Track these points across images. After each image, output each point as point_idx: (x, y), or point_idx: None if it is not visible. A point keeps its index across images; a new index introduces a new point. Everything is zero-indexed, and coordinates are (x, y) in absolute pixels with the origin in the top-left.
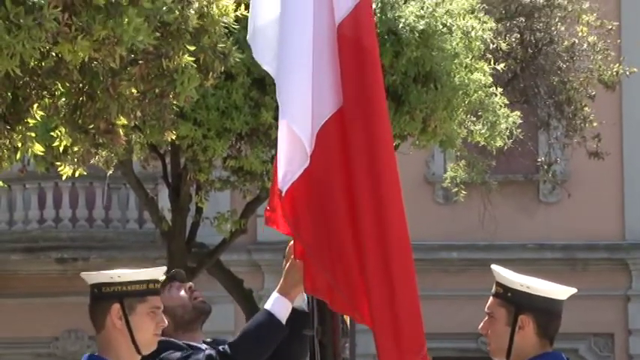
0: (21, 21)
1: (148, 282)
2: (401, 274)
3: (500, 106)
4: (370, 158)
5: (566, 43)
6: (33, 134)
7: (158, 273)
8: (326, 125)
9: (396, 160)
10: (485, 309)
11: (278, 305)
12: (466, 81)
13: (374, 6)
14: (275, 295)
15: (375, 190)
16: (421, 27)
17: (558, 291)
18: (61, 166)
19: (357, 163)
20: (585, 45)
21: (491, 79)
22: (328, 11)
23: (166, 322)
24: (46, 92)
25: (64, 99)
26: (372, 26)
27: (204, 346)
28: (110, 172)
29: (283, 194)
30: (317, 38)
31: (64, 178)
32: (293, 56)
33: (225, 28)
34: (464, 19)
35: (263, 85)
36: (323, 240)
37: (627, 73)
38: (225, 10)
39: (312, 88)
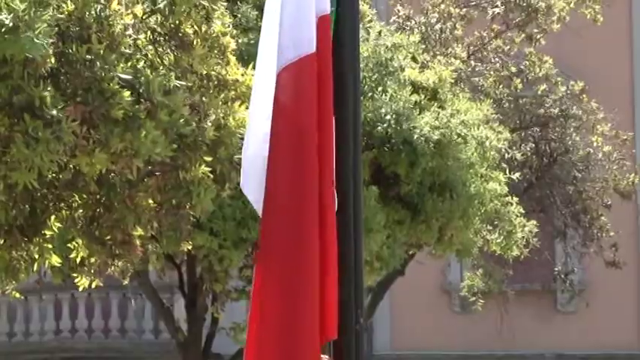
0: (39, 134)
1: None
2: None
3: (516, 215)
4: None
5: (581, 152)
6: (50, 246)
7: None
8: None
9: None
10: None
11: None
12: (482, 190)
13: (389, 117)
14: None
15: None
16: (436, 137)
17: None
18: (77, 277)
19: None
20: (600, 155)
21: (506, 188)
22: None
23: None
24: (63, 204)
25: (81, 210)
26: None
27: None
28: (126, 282)
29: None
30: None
31: (80, 289)
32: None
33: (242, 139)
34: (478, 129)
35: None
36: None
37: None
38: (241, 122)
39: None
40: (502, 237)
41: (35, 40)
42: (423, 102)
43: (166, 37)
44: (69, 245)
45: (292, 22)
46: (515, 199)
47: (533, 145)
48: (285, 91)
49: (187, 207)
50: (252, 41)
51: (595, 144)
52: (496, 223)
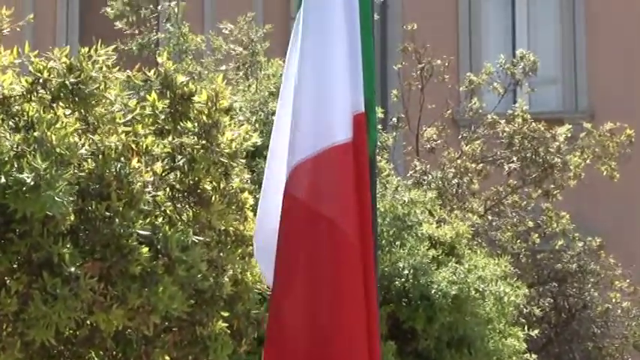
0: (58, 291)
1: None
2: None
3: None
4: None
5: (600, 308)
6: None
7: None
8: None
9: None
10: None
11: None
12: (500, 346)
13: (406, 271)
14: None
15: None
16: (454, 292)
17: None
18: None
19: None
20: (619, 311)
21: (525, 344)
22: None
23: None
24: None
25: None
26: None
27: None
28: None
29: None
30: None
31: None
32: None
33: (259, 294)
34: (496, 285)
35: None
36: None
37: None
38: (258, 277)
39: None
40: None
41: (56, 198)
42: (440, 257)
43: (185, 194)
44: None
45: (318, 117)
46: (534, 355)
47: (552, 300)
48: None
49: None
50: None
51: (614, 300)
52: None
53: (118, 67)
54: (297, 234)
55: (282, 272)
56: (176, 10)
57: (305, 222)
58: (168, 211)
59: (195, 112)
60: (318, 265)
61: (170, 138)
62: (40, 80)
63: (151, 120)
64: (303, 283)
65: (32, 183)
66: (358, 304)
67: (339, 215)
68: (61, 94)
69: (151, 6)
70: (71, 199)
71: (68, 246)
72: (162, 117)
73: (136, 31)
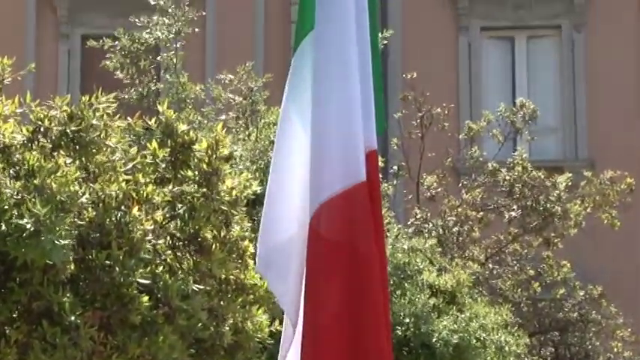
0: (57, 340)
1: None
2: None
3: None
4: None
5: (601, 358)
6: None
7: None
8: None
9: None
10: None
11: None
12: None
13: (407, 320)
14: None
15: None
16: (455, 341)
17: None
18: None
19: None
20: None
21: None
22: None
23: None
24: None
25: None
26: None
27: None
28: None
29: None
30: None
31: None
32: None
33: (260, 343)
34: (497, 334)
35: None
36: None
37: None
38: (259, 326)
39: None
40: None
41: (56, 242)
42: (441, 305)
43: (185, 242)
44: None
45: (339, 155)
46: None
47: (553, 349)
48: (334, 224)
49: None
50: None
51: (615, 349)
52: None
53: (118, 116)
54: (328, 272)
55: (313, 309)
56: (174, 60)
57: (334, 260)
58: (168, 260)
59: (196, 160)
60: (351, 301)
61: (170, 186)
62: (41, 129)
63: (151, 168)
64: (336, 318)
65: (32, 229)
66: (384, 340)
67: (366, 250)
68: (62, 143)
69: (150, 57)
70: (71, 242)
71: (68, 295)
72: (163, 165)
73: (137, 81)
